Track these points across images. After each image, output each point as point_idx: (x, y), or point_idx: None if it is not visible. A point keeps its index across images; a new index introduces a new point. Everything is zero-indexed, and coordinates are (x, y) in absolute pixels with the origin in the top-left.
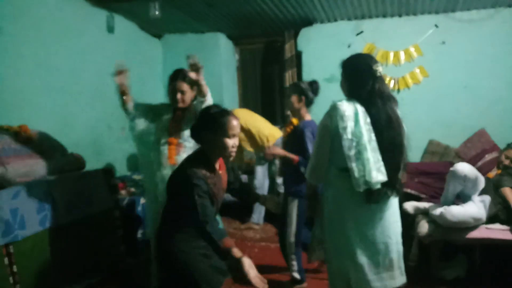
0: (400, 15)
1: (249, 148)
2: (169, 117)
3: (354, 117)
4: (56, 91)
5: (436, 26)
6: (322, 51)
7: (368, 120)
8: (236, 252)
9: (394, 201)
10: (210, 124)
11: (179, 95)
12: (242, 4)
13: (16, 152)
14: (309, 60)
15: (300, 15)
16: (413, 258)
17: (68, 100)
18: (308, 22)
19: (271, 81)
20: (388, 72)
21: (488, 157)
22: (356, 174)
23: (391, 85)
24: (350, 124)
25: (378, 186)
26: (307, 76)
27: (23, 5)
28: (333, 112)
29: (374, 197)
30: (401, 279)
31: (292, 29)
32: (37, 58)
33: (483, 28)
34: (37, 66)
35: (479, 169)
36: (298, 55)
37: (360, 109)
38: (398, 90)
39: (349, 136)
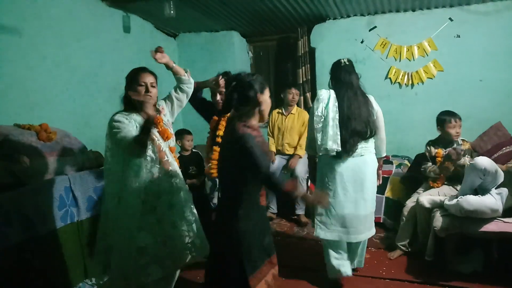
0: (413, 10)
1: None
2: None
3: (327, 100)
4: (75, 90)
5: (451, 19)
6: (336, 47)
7: (336, 103)
8: (298, 192)
9: (370, 160)
10: (257, 86)
11: (150, 88)
12: (255, 1)
13: (37, 150)
14: (322, 56)
15: (313, 11)
16: (430, 252)
17: (86, 99)
18: (321, 18)
19: (285, 78)
20: (402, 67)
21: (505, 150)
22: (319, 142)
23: (405, 79)
24: (322, 105)
25: (334, 153)
26: (320, 72)
27: (41, 7)
28: (316, 97)
29: (338, 156)
30: (367, 233)
31: (305, 25)
32: (56, 58)
33: (500, 20)
34: (56, 66)
35: (495, 161)
36: (312, 52)
37: (333, 95)
38: (412, 85)
39: (319, 113)
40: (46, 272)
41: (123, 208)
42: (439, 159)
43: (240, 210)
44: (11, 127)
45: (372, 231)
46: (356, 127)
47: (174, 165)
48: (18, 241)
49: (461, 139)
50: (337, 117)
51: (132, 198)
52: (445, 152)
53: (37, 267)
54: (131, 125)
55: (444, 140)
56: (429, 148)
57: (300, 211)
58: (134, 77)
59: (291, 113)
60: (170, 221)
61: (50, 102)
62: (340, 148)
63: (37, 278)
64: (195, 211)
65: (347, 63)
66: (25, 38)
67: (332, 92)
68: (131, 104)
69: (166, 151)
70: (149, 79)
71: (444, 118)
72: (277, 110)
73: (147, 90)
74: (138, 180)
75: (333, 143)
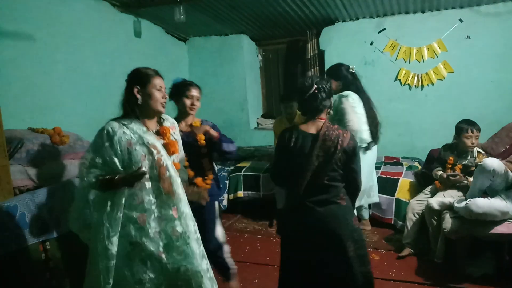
0: (423, 11)
1: None
2: (145, 130)
3: (358, 102)
4: (87, 94)
5: (461, 20)
6: (345, 49)
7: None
8: None
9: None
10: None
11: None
12: (264, 5)
13: (51, 153)
14: (331, 58)
15: (322, 14)
16: (439, 254)
17: (98, 103)
18: (330, 21)
19: (294, 81)
20: (411, 69)
21: None
22: (362, 135)
23: (415, 81)
24: (360, 105)
25: (366, 144)
26: None
27: (54, 14)
28: (350, 98)
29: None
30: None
31: (314, 28)
32: (69, 63)
33: (510, 21)
34: (69, 71)
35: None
36: (321, 54)
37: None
38: (422, 87)
39: (361, 112)
40: (60, 273)
41: (110, 241)
42: (449, 165)
43: (347, 205)
44: (25, 131)
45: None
46: (378, 122)
47: (177, 183)
48: (32, 243)
49: (478, 151)
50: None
51: (120, 226)
52: (445, 174)
53: (51, 268)
54: (122, 141)
55: (459, 148)
56: (442, 152)
57: None
58: (148, 79)
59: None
60: (173, 255)
61: (62, 105)
62: (370, 139)
63: (51, 279)
64: (199, 239)
65: (354, 70)
66: (38, 43)
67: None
68: (134, 111)
69: (169, 166)
70: (163, 84)
71: (462, 127)
72: (279, 118)
73: (164, 96)
74: (129, 202)
75: (368, 136)
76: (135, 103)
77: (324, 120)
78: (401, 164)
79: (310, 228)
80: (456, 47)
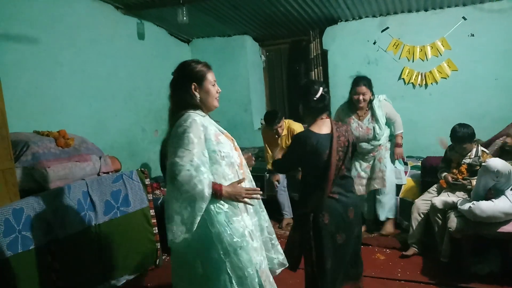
0: (426, 9)
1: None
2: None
3: None
4: (91, 97)
5: (464, 18)
6: (348, 48)
7: None
8: None
9: None
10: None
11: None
12: (267, 5)
13: (56, 155)
14: (334, 58)
15: (325, 13)
16: (445, 253)
17: (102, 105)
18: (333, 20)
19: (298, 81)
20: (415, 67)
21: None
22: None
23: (419, 80)
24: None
25: None
26: (333, 73)
27: (58, 16)
28: (387, 98)
29: None
30: None
31: (317, 28)
32: (72, 66)
33: None
34: (73, 73)
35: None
36: (324, 54)
37: None
38: (426, 85)
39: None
40: (66, 275)
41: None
42: (454, 165)
43: None
44: (31, 134)
45: None
46: None
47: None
48: (38, 245)
49: (482, 150)
50: None
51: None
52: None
53: (57, 269)
54: (213, 131)
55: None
56: (448, 152)
57: None
58: (204, 76)
59: (283, 135)
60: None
61: (67, 108)
62: None
63: (57, 280)
64: None
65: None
66: (42, 46)
67: None
68: (200, 106)
69: (242, 156)
70: (214, 77)
71: (451, 138)
72: (266, 129)
73: (218, 90)
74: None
75: None
76: (190, 98)
77: (329, 119)
78: (406, 163)
79: (342, 217)
80: (460, 45)
